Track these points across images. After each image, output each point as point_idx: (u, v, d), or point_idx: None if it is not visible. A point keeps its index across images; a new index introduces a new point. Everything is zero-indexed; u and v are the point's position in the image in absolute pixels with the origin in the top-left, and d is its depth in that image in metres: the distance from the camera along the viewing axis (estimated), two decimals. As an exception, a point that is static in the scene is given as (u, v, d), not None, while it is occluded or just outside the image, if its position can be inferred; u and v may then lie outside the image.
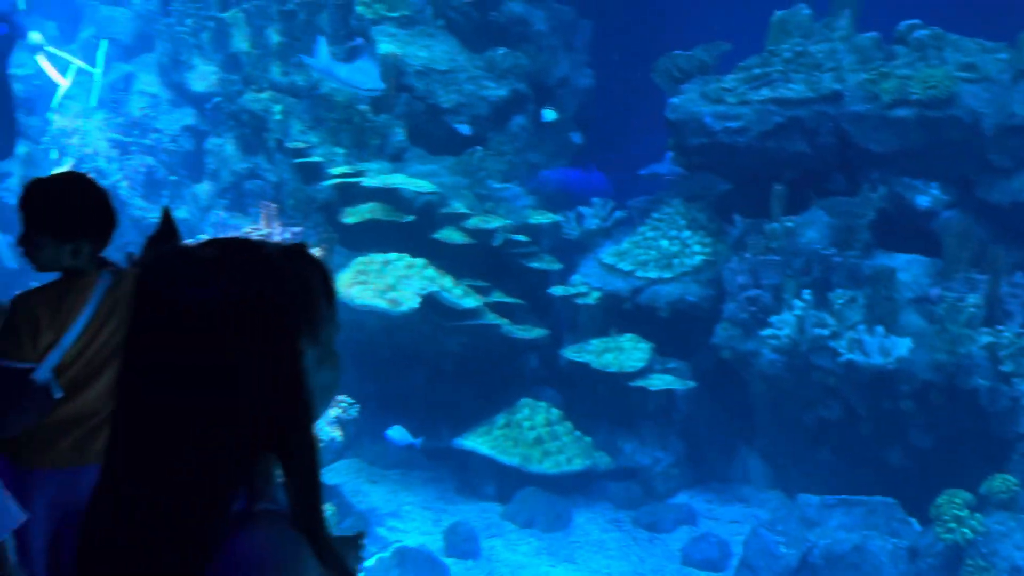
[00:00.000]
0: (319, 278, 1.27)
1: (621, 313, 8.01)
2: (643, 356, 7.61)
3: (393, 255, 7.27)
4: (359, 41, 8.22)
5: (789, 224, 7.80)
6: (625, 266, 8.13)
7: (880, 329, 7.02)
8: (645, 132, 9.81)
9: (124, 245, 8.26)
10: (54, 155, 8.38)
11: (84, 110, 8.69)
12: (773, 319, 7.39)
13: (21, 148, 8.10)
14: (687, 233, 8.33)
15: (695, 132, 8.33)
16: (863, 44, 8.55)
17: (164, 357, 1.17)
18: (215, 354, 1.16)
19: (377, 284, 7.00)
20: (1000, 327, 6.89)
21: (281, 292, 1.20)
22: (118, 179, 7.97)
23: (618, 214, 8.88)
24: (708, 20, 10.26)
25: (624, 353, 7.60)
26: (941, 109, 7.53)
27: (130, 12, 9.62)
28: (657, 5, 11.55)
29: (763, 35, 8.88)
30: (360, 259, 7.29)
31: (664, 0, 11.53)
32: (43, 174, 8.36)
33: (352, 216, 7.45)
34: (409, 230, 7.50)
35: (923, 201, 7.69)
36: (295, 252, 1.27)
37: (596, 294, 7.97)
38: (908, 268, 7.56)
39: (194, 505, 1.15)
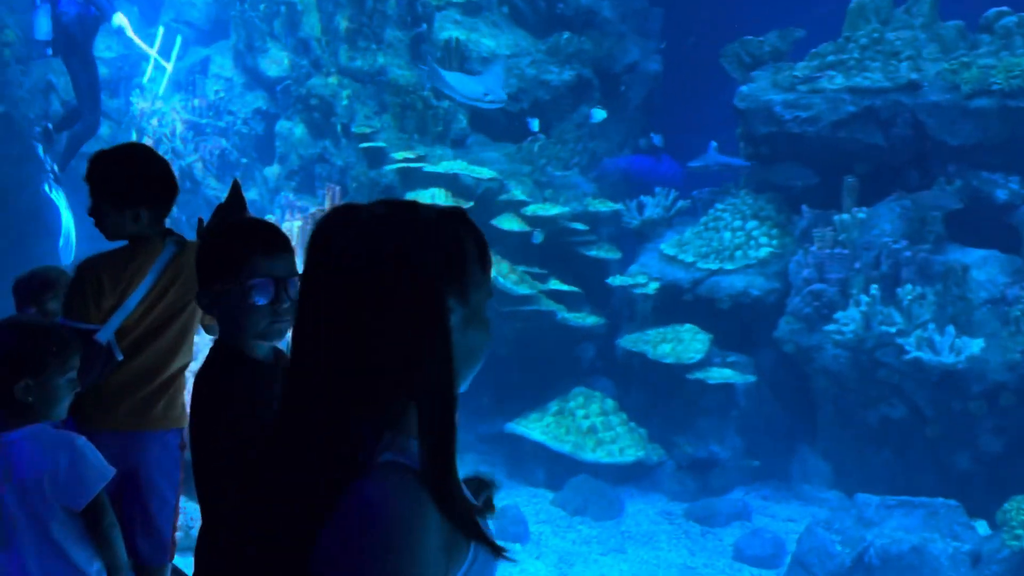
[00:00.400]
0: (474, 243, 1.32)
1: (680, 304, 7.92)
2: (702, 348, 7.52)
3: (452, 239, 7.32)
4: (424, 27, 8.32)
5: (860, 215, 7.58)
6: (686, 257, 8.04)
7: (951, 329, 6.77)
8: (715, 120, 9.65)
9: (197, 224, 8.52)
10: (134, 136, 8.74)
11: (161, 94, 9.03)
12: (838, 314, 7.21)
13: (104, 129, 8.47)
14: (752, 224, 8.17)
15: (764, 121, 8.18)
16: (945, 32, 8.22)
17: (324, 301, 1.26)
18: (367, 301, 1.24)
19: (435, 267, 7.06)
20: (1081, 330, 6.56)
21: (433, 250, 1.27)
22: (193, 160, 8.29)
23: (681, 204, 8.78)
24: (784, 6, 10.01)
25: (682, 344, 7.52)
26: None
27: (208, -3, 9.97)
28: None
29: (840, 23, 8.63)
30: (420, 243, 7.37)
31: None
32: None
33: (413, 200, 7.54)
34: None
35: (1002, 195, 7.37)
36: (455, 216, 1.34)
37: (655, 284, 7.90)
38: (983, 265, 7.26)
39: (326, 447, 1.22)
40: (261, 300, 2.15)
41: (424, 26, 8.41)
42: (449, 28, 8.46)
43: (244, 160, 8.54)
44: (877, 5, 8.61)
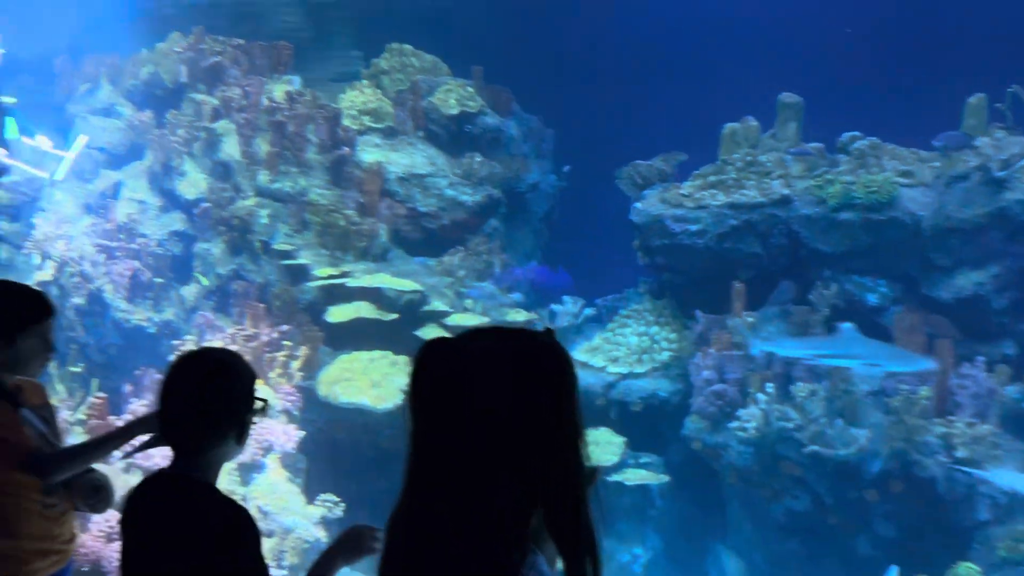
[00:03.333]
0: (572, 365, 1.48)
1: (594, 408, 8.26)
2: (617, 450, 7.83)
3: (377, 353, 7.47)
4: (344, 150, 8.67)
5: (749, 319, 8.24)
6: (597, 362, 8.45)
7: (839, 422, 7.39)
8: (609, 232, 10.35)
9: (106, 347, 8.21)
10: (36, 260, 8.47)
11: (70, 216, 8.83)
12: (740, 412, 7.71)
13: (1, 253, 8.16)
14: (655, 329, 8.72)
15: (657, 234, 8.85)
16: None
17: (465, 432, 1.38)
18: (510, 428, 1.37)
19: (362, 382, 7.16)
20: (952, 417, 7.30)
21: (563, 370, 1.43)
22: (102, 283, 8.11)
23: (587, 311, 9.26)
24: (663, 129, 10.99)
25: (599, 447, 7.82)
26: (883, 212, 8.14)
27: (121, 123, 9.95)
28: (615, 115, 12.34)
29: (715, 144, 9.57)
30: (344, 357, 7.48)
31: (622, 110, 12.35)
32: (23, 280, 8.27)
33: (337, 315, 7.67)
34: (393, 328, 7.73)
35: (872, 298, 8.21)
36: (551, 333, 1.48)
37: (571, 389, 8.21)
38: (863, 362, 7.99)
39: (488, 558, 1.36)
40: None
41: (345, 148, 8.75)
42: (370, 151, 8.85)
43: (158, 280, 8.42)
44: (747, 130, 9.62)
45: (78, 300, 8.07)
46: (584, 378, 8.44)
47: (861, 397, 7.76)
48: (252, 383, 2.26)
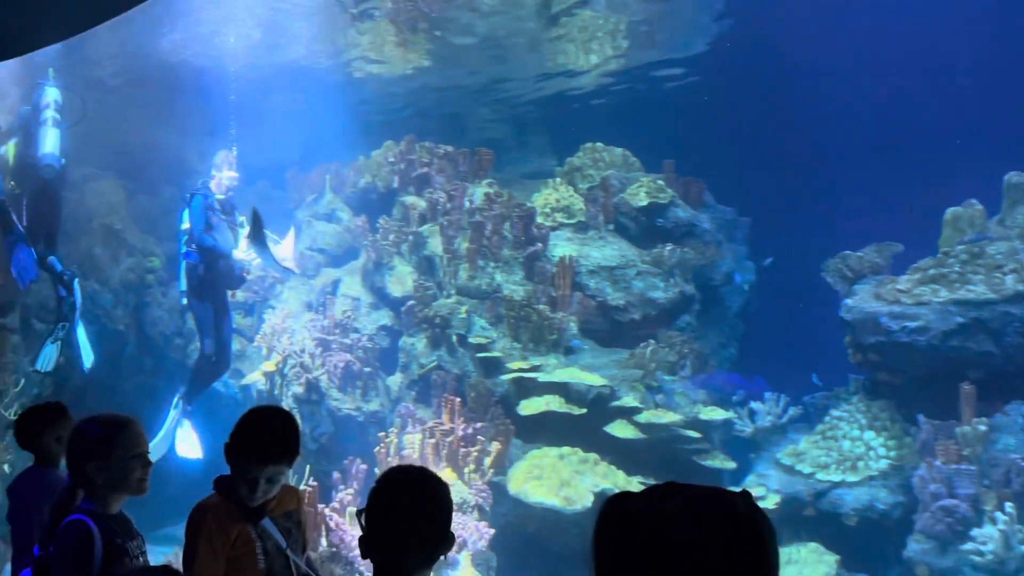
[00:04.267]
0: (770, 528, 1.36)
1: (801, 519, 7.64)
2: (829, 570, 7.14)
3: (567, 449, 7.42)
4: (538, 246, 8.95)
5: (981, 427, 7.36)
6: (805, 468, 7.85)
7: (1100, 550, 6.34)
8: (810, 327, 9.76)
9: (320, 435, 8.72)
10: (264, 351, 9.37)
11: (294, 311, 9.76)
12: (974, 532, 6.84)
13: (235, 345, 9.06)
14: (870, 434, 8.00)
15: (871, 331, 8.22)
16: (1045, 241, 8.32)
17: None
18: None
19: (551, 480, 7.12)
20: None
21: (763, 544, 1.33)
22: (319, 374, 8.81)
23: (791, 410, 8.69)
24: (871, 217, 10.34)
25: (808, 567, 7.16)
26: None
27: (340, 227, 11.03)
28: (818, 202, 11.78)
29: (934, 231, 8.83)
30: (534, 453, 7.50)
31: (826, 196, 11.78)
32: (253, 369, 8.87)
33: (528, 408, 7.75)
34: (582, 422, 7.67)
35: None
36: (749, 497, 1.38)
37: (775, 497, 7.67)
38: None
39: None
40: None
41: (538, 244, 9.05)
42: (562, 245, 9.08)
43: (367, 370, 9.01)
44: (971, 215, 8.81)
45: (297, 389, 8.76)
46: (791, 485, 7.87)
47: None
48: (440, 514, 2.22)
